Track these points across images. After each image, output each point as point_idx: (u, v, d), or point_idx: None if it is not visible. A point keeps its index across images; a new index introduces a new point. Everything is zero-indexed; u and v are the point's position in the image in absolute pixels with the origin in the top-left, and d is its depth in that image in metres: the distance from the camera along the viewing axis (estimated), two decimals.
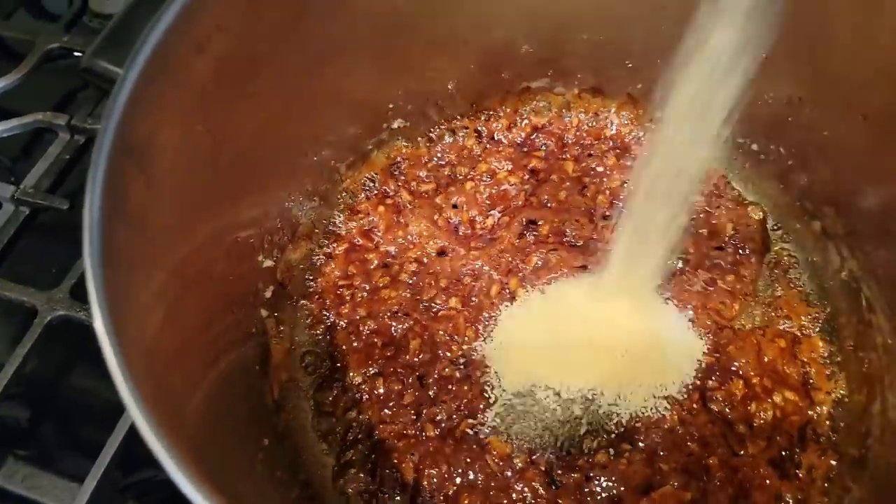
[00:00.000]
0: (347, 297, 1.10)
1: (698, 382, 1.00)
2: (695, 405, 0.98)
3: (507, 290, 1.09)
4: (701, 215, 1.15)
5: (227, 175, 0.88)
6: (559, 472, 0.95)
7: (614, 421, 0.98)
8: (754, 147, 1.14)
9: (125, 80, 0.68)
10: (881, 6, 0.82)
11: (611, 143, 1.23)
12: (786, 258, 1.12)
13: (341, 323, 1.08)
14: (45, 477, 1.01)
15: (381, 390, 1.01)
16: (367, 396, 1.02)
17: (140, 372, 0.62)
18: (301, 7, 0.89)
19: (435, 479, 0.95)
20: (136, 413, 0.59)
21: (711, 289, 1.07)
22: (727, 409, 0.98)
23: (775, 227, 1.15)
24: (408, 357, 1.03)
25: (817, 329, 1.05)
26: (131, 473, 1.01)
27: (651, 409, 0.98)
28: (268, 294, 1.03)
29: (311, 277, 1.12)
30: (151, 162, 0.72)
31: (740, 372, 1.00)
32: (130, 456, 0.97)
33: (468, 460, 0.96)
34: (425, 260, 1.13)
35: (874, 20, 0.84)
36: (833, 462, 0.93)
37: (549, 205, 1.17)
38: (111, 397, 0.59)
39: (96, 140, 0.64)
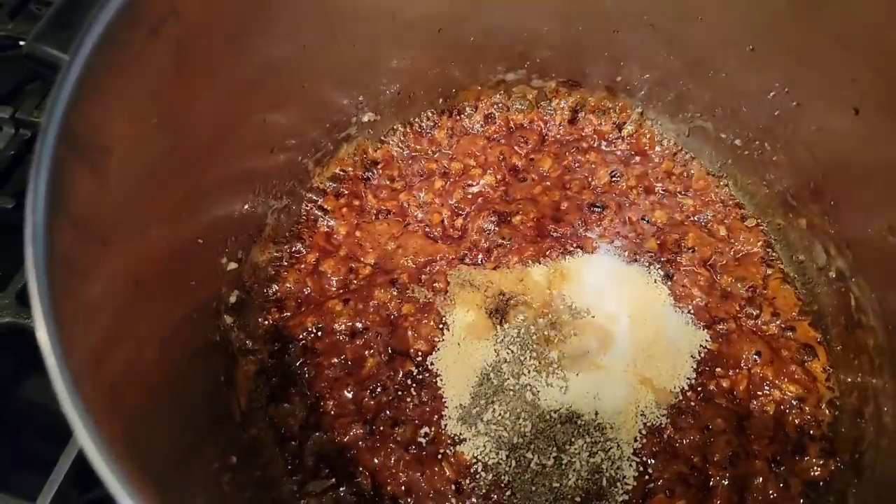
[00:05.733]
0: (304, 308, 1.04)
1: (698, 379, 0.97)
2: (693, 403, 0.95)
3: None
4: (694, 216, 1.12)
5: (187, 172, 0.81)
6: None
7: (597, 425, 0.94)
8: (737, 142, 1.11)
9: (71, 66, 0.61)
10: None
11: (591, 139, 1.18)
12: (769, 255, 1.09)
13: (299, 335, 1.02)
14: None
15: (336, 404, 0.97)
16: (322, 409, 0.96)
17: (88, 386, 0.56)
18: None
19: (391, 488, 0.91)
20: (80, 431, 0.54)
21: (712, 287, 1.05)
22: (730, 403, 0.95)
23: (759, 224, 1.12)
24: (363, 371, 0.99)
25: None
26: (88, 491, 0.94)
27: (644, 413, 0.94)
28: (232, 299, 0.96)
29: (272, 285, 1.06)
30: (101, 158, 0.65)
31: (741, 362, 0.98)
32: (86, 472, 0.90)
33: (425, 468, 0.92)
34: (387, 264, 1.07)
35: (865, 5, 0.80)
36: (831, 468, 0.91)
37: (526, 199, 1.12)
38: None
39: (39, 133, 0.57)
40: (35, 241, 0.55)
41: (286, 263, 1.07)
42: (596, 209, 1.10)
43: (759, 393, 0.96)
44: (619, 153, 1.17)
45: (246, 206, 0.98)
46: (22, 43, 1.31)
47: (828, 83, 0.91)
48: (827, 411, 0.96)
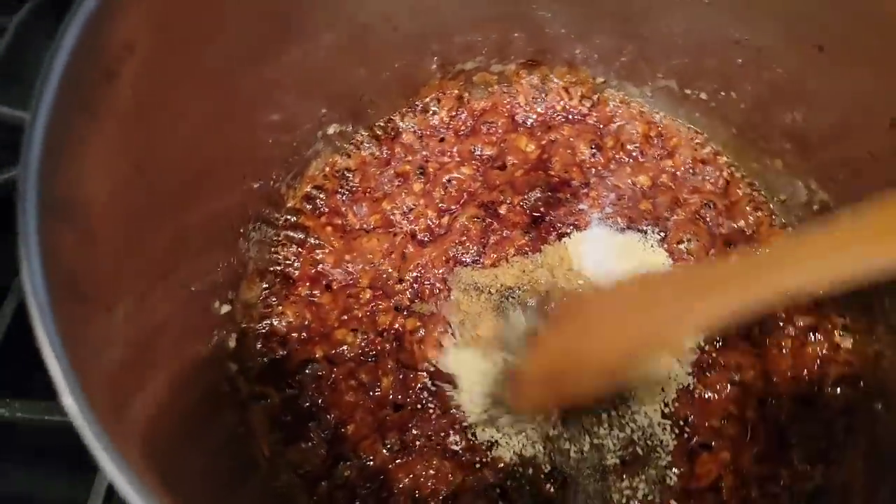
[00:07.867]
0: (308, 341, 0.99)
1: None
2: (714, 354, 0.96)
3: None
4: (677, 173, 1.12)
5: (165, 217, 0.75)
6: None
7: (620, 398, 0.93)
8: (703, 96, 1.12)
9: (35, 124, 0.55)
10: None
11: (564, 115, 1.17)
12: (756, 198, 1.10)
13: (306, 368, 0.97)
14: None
15: (357, 427, 0.93)
16: (343, 437, 0.93)
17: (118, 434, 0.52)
18: (219, 10, 0.77)
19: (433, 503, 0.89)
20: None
21: (707, 237, 1.05)
22: (750, 346, 0.96)
23: (736, 172, 1.13)
24: (380, 393, 0.95)
25: None
26: None
27: (670, 376, 0.94)
28: (232, 343, 0.91)
29: (268, 322, 1.00)
30: (84, 216, 0.59)
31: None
32: None
33: (465, 476, 0.89)
34: (385, 285, 1.03)
35: None
36: (855, 393, 0.93)
37: (509, 187, 1.09)
38: None
39: (18, 204, 0.51)
40: (45, 323, 0.49)
41: (277, 298, 1.01)
42: (589, 182, 1.09)
43: (774, 330, 0.97)
44: (591, 123, 1.16)
45: (226, 242, 0.93)
46: None
47: (786, 22, 0.91)
48: (841, 335, 0.97)
